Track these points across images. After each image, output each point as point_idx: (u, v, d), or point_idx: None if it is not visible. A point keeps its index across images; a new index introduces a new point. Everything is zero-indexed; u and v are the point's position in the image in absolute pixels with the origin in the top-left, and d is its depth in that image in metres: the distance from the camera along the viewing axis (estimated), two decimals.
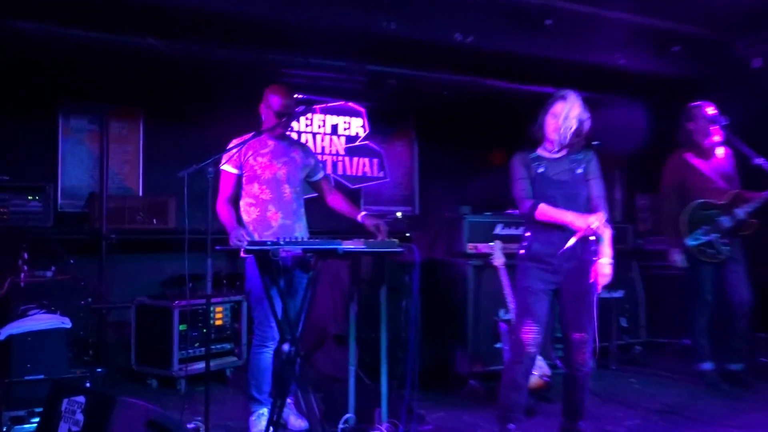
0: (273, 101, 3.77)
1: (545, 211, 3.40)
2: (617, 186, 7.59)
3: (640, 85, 6.42)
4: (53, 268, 4.82)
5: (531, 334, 3.41)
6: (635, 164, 7.31)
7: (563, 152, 3.48)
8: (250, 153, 3.78)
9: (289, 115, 3.79)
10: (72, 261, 5.04)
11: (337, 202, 4.01)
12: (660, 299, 6.10)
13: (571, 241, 3.31)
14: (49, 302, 4.50)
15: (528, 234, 3.51)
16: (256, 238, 3.67)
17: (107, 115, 5.87)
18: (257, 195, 3.77)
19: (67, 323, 4.30)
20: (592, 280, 3.40)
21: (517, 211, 3.55)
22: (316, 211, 4.24)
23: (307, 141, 6.76)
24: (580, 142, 3.45)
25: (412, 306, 3.74)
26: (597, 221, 3.29)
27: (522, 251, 3.50)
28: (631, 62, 5.95)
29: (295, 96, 3.95)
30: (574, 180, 3.45)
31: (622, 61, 5.92)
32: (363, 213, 3.85)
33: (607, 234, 3.40)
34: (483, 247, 4.83)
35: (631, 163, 7.41)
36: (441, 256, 5.12)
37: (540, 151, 3.52)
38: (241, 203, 3.82)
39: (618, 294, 5.54)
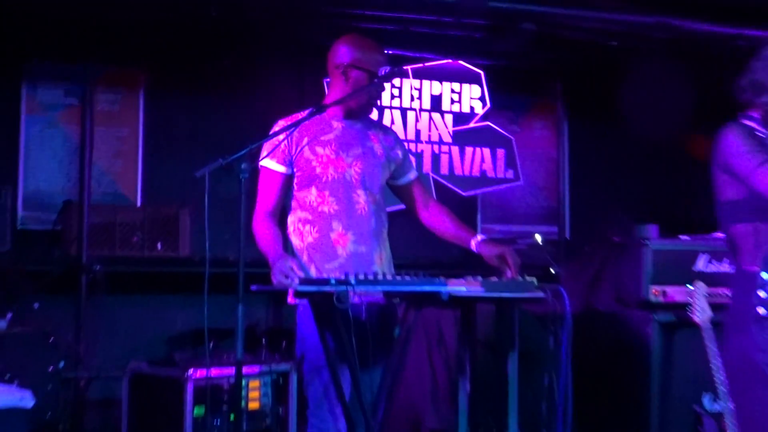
0: (350, 57, 3.80)
1: None
2: None
3: None
4: (9, 315, 5.02)
5: None
6: None
7: None
8: (306, 140, 3.82)
9: (372, 79, 3.79)
10: (37, 304, 5.23)
11: (438, 218, 4.00)
12: None
13: None
14: (3, 367, 4.68)
15: None
16: (314, 273, 3.71)
17: (92, 82, 6.05)
18: (315, 206, 3.81)
19: (27, 400, 4.45)
20: None
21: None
22: (405, 232, 4.25)
23: (393, 122, 6.82)
24: None
25: (560, 384, 3.69)
26: None
27: None
28: None
29: (385, 51, 3.97)
30: None
31: None
32: (480, 237, 3.84)
33: None
34: (675, 293, 4.79)
35: None
36: (606, 306, 5.11)
37: (753, 126, 3.50)
38: (291, 219, 3.87)
39: None
